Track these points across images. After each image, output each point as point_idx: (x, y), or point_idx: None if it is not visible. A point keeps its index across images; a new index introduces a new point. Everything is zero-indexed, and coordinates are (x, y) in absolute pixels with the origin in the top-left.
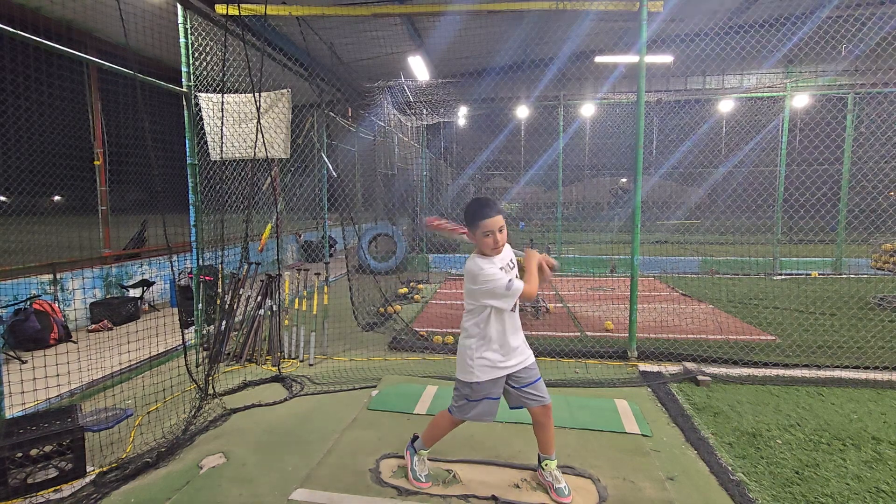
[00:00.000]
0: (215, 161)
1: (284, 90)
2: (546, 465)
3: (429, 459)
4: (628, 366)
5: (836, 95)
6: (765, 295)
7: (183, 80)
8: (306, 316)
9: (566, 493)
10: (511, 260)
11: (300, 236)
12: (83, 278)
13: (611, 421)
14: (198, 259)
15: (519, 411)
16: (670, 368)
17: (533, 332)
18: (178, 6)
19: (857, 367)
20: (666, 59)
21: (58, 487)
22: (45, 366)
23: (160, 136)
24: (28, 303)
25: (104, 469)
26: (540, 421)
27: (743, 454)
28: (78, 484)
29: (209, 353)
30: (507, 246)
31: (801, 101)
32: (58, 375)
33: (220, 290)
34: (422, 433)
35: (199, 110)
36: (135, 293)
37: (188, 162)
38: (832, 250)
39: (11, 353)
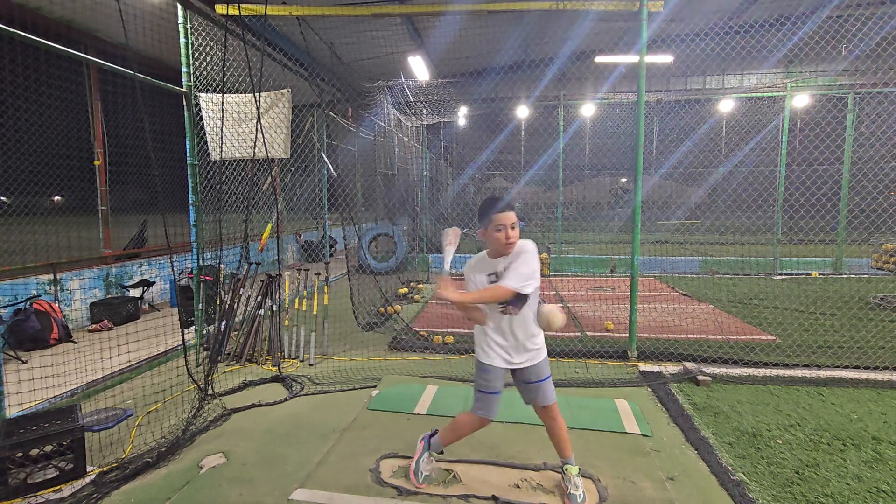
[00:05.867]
0: (215, 161)
1: (284, 90)
2: (567, 469)
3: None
4: (628, 366)
5: (836, 95)
6: (765, 295)
7: (183, 80)
8: (306, 316)
9: (579, 500)
10: (503, 269)
11: (300, 236)
12: (83, 278)
13: (611, 421)
14: (198, 259)
15: (522, 411)
16: (670, 368)
17: None
18: (178, 6)
19: (857, 367)
20: (666, 59)
21: (58, 487)
22: (45, 366)
23: (160, 136)
24: (28, 303)
25: (104, 469)
26: (545, 422)
27: (743, 454)
28: (78, 484)
29: (209, 353)
30: (525, 244)
31: (801, 101)
32: (57, 375)
33: (220, 290)
34: (440, 432)
35: (199, 110)
36: (135, 293)
37: (188, 162)
38: (832, 250)
39: (11, 353)
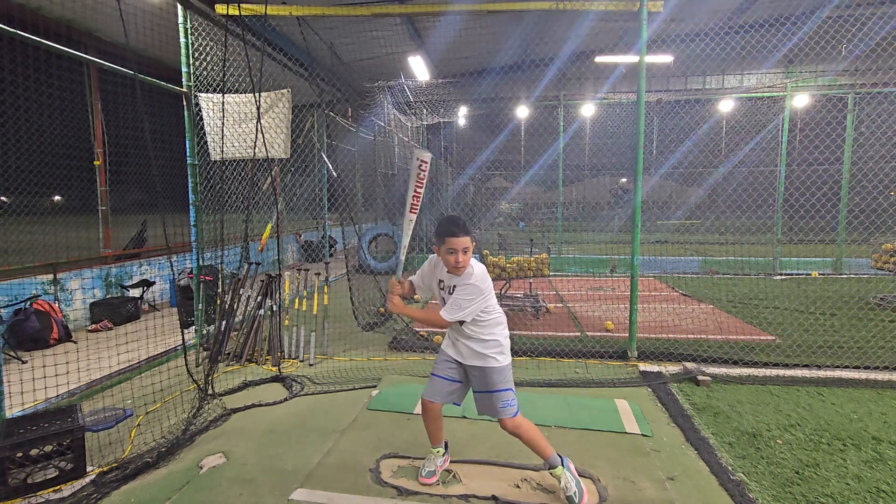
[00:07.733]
0: (215, 161)
1: (284, 90)
2: (552, 473)
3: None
4: (628, 366)
5: (836, 95)
6: (765, 295)
7: (183, 80)
8: (306, 316)
9: (576, 500)
10: (452, 287)
11: (300, 236)
12: (83, 278)
13: (611, 421)
14: (198, 259)
15: (523, 412)
16: (670, 368)
17: (533, 333)
18: (178, 6)
19: (857, 367)
20: (666, 59)
21: (58, 487)
22: (45, 366)
23: (160, 136)
24: (28, 303)
25: (104, 469)
26: (510, 435)
27: (743, 454)
28: (78, 484)
29: (209, 353)
30: (473, 269)
31: (801, 101)
32: (57, 375)
33: (220, 290)
34: None
35: (199, 110)
36: (135, 293)
37: (188, 162)
38: (832, 250)
39: (11, 353)
